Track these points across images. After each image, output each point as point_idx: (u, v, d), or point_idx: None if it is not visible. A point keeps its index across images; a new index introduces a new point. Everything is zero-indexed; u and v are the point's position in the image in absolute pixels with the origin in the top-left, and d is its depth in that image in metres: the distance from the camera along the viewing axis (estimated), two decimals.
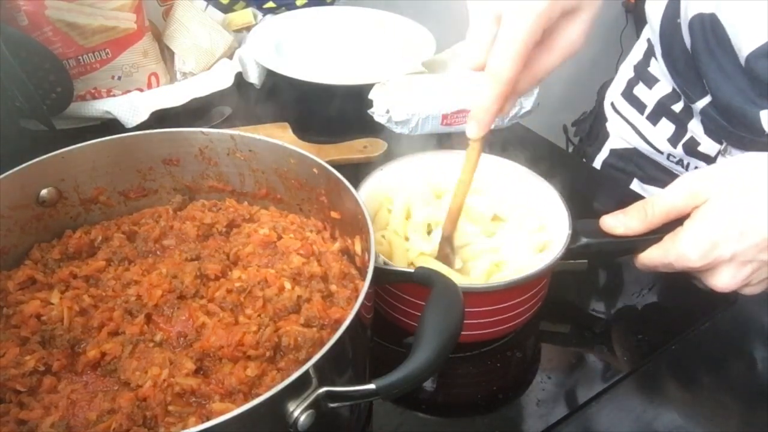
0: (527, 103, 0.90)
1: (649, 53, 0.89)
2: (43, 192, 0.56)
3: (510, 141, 0.91)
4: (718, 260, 0.55)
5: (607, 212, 0.60)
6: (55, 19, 0.82)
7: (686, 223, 0.56)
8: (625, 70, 0.95)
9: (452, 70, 0.99)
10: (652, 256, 0.59)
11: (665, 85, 0.86)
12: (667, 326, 0.65)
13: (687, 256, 0.56)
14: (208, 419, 0.41)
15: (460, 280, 0.57)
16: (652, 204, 0.58)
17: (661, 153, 0.89)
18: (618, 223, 0.59)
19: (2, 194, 0.53)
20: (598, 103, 1.03)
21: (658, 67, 0.86)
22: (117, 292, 0.52)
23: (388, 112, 0.85)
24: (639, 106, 0.91)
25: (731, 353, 0.64)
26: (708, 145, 0.81)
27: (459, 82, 0.88)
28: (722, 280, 0.57)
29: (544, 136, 0.95)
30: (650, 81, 0.88)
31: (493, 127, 0.88)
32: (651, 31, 0.84)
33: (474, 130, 0.56)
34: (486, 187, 0.68)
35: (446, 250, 0.61)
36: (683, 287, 0.63)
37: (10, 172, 0.53)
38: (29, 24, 0.81)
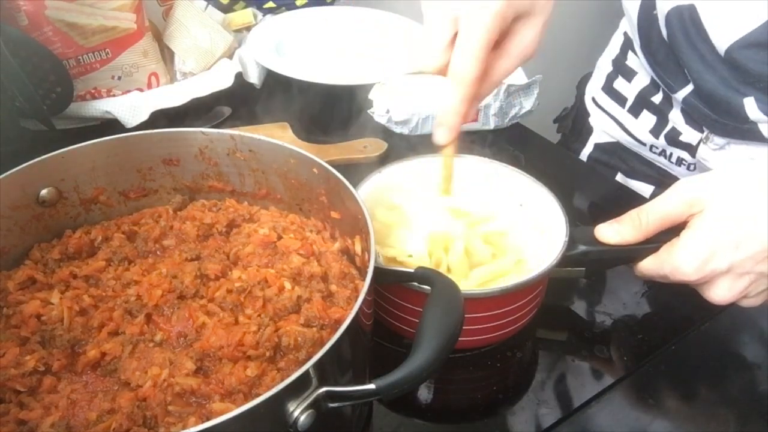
0: (527, 103, 0.90)
1: (626, 46, 0.89)
2: (43, 192, 0.56)
3: (510, 141, 0.91)
4: (713, 273, 0.54)
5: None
6: (55, 19, 0.82)
7: (682, 234, 0.55)
8: (604, 65, 0.95)
9: None
10: (648, 267, 0.58)
11: (643, 77, 0.87)
12: (666, 327, 0.65)
13: (682, 270, 0.55)
14: (208, 419, 0.40)
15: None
16: (647, 212, 0.56)
17: (644, 145, 0.89)
18: (612, 232, 0.58)
19: (2, 194, 0.53)
20: (578, 99, 1.02)
21: (635, 59, 0.86)
22: (117, 292, 0.52)
23: (388, 112, 0.85)
24: (620, 99, 0.91)
25: (729, 354, 0.64)
26: (689, 135, 0.82)
27: None
28: (719, 293, 0.56)
29: (544, 136, 0.95)
30: (629, 74, 0.89)
31: (492, 126, 0.90)
32: (629, 24, 0.84)
33: (444, 135, 0.56)
34: (484, 191, 0.67)
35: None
36: (681, 289, 0.63)
37: (10, 172, 0.53)
38: (29, 24, 0.81)
